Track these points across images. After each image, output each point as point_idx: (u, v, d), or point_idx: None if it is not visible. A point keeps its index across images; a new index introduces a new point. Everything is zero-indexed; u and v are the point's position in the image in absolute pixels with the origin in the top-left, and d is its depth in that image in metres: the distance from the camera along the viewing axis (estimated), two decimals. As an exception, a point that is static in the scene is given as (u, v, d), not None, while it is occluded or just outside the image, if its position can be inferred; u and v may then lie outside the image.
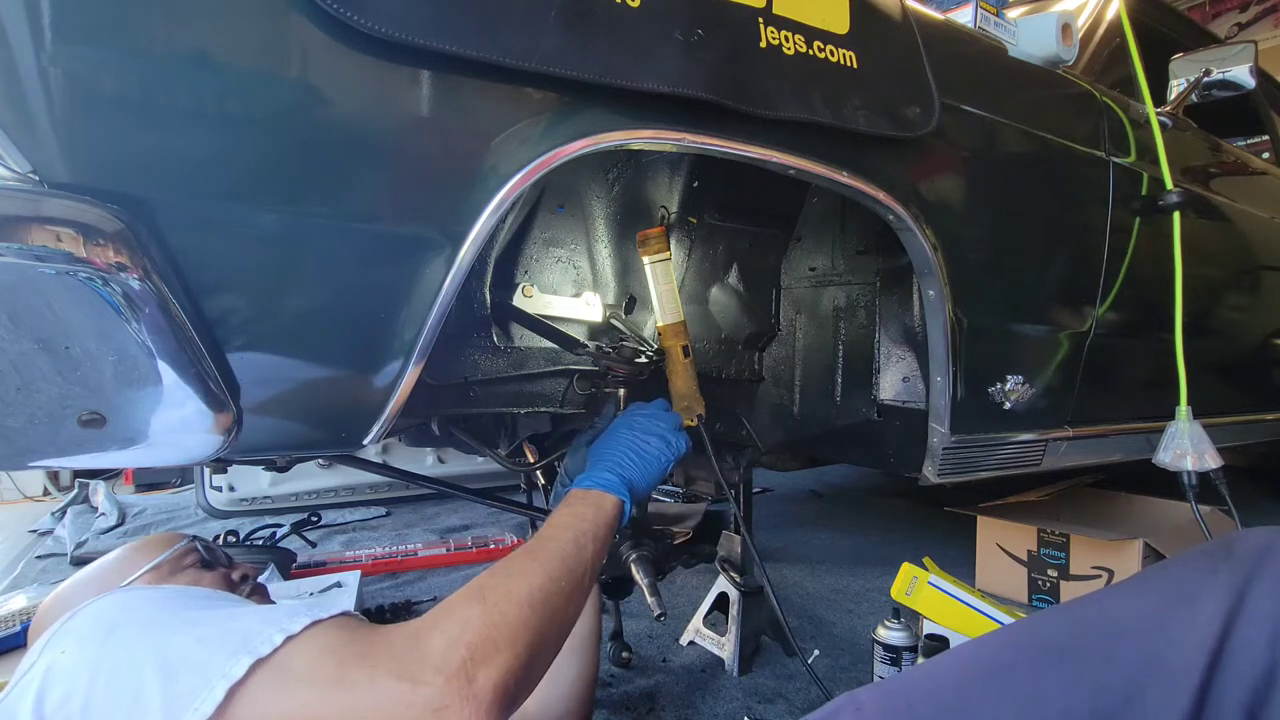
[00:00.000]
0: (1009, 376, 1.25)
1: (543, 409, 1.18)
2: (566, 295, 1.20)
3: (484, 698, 0.54)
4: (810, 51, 0.91)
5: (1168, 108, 1.62)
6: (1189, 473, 1.35)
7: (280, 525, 2.45)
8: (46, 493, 3.53)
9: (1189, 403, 1.37)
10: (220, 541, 2.01)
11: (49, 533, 2.68)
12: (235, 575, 0.92)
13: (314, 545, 2.36)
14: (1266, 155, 2.42)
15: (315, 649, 0.55)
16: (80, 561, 2.23)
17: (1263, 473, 3.00)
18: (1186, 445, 1.35)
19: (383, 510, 2.87)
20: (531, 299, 1.14)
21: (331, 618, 0.59)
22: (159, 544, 0.89)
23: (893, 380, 1.30)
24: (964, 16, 1.30)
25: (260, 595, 0.94)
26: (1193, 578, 0.50)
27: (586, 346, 1.14)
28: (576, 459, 0.95)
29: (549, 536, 0.73)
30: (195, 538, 0.92)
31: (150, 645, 0.56)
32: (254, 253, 0.64)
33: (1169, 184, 1.42)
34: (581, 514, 0.78)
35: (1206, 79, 1.61)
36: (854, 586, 1.91)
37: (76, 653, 0.57)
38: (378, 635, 0.57)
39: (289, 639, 0.55)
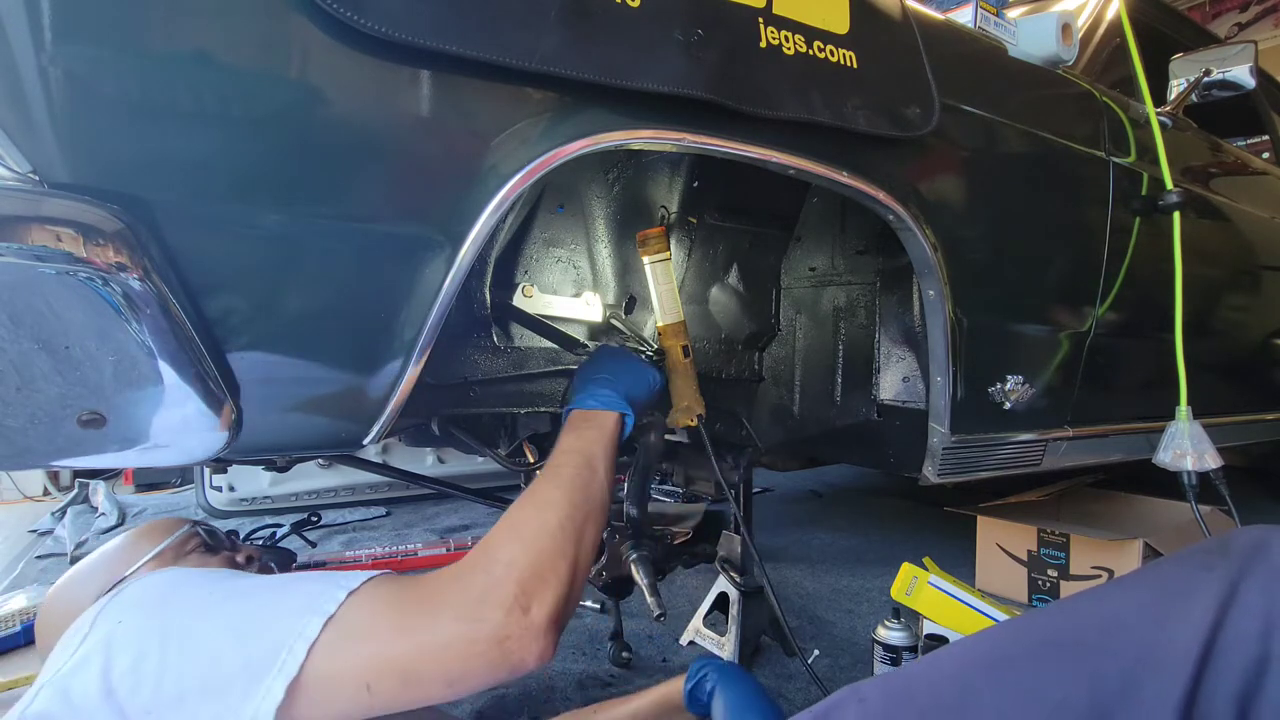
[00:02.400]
0: (1009, 376, 1.25)
1: (543, 409, 1.19)
2: (566, 295, 1.20)
3: (540, 624, 0.60)
4: (810, 51, 0.91)
5: (1168, 108, 1.62)
6: (1189, 473, 1.35)
7: (280, 525, 2.44)
8: (46, 493, 3.53)
9: (1189, 403, 1.37)
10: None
11: (49, 533, 2.68)
12: (240, 558, 0.92)
13: (314, 545, 2.36)
14: (1266, 155, 2.42)
15: (376, 602, 0.59)
16: (80, 561, 2.22)
17: (1263, 473, 3.00)
18: (1186, 445, 1.35)
19: (383, 510, 2.87)
20: (531, 299, 1.14)
21: (382, 574, 0.64)
22: (161, 530, 0.89)
23: (893, 380, 1.30)
24: (964, 16, 1.30)
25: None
26: (1188, 574, 0.51)
27: (586, 346, 1.14)
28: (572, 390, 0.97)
29: (562, 464, 0.76)
30: (197, 522, 0.93)
31: (217, 611, 0.59)
32: (254, 252, 0.64)
33: (1169, 184, 1.42)
34: (588, 436, 0.80)
35: (1206, 79, 1.61)
36: (854, 586, 1.91)
37: (139, 621, 0.59)
38: (430, 583, 0.62)
39: (350, 593, 0.59)
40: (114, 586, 0.80)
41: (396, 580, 0.63)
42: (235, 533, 2.23)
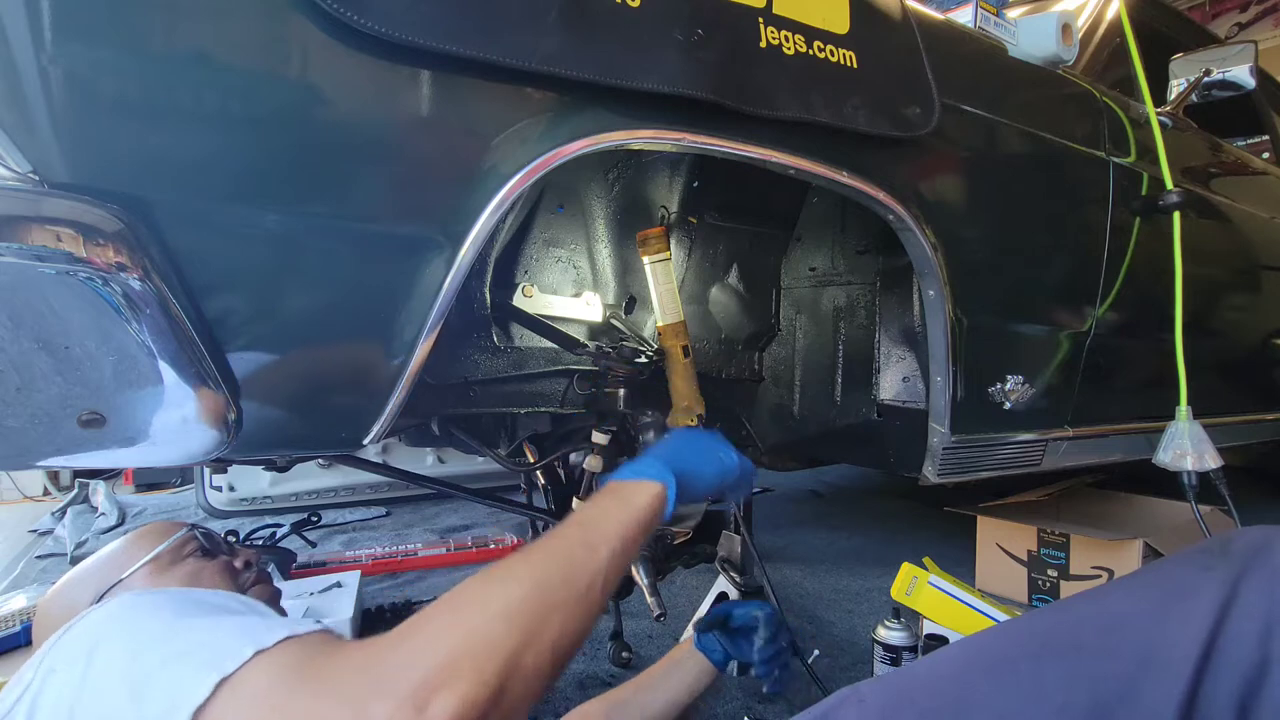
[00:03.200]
0: (1009, 376, 1.25)
1: (543, 409, 1.19)
2: (566, 295, 1.20)
3: None
4: (810, 51, 0.91)
5: (1168, 108, 1.62)
6: (1189, 473, 1.35)
7: (280, 525, 2.44)
8: (46, 493, 3.53)
9: (1189, 403, 1.37)
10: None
11: (49, 533, 2.68)
12: (238, 563, 0.91)
13: (314, 545, 2.36)
14: (1266, 155, 2.42)
15: (278, 667, 0.51)
16: (80, 561, 2.22)
17: (1263, 473, 2.99)
18: (1186, 445, 1.35)
19: (383, 510, 2.87)
20: (531, 299, 1.14)
21: (309, 633, 0.54)
22: (158, 533, 0.88)
23: (893, 380, 1.31)
24: (964, 16, 1.30)
25: (265, 582, 0.93)
26: (1188, 574, 0.52)
27: (586, 346, 1.14)
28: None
29: (558, 534, 0.62)
30: (194, 526, 0.92)
31: (125, 667, 0.53)
32: (254, 252, 0.64)
33: (1169, 184, 1.42)
34: (605, 509, 0.65)
35: (1206, 79, 1.61)
36: (854, 586, 1.91)
37: (65, 674, 0.55)
38: (343, 654, 0.52)
39: (259, 653, 0.51)
40: (108, 590, 0.80)
41: (317, 644, 0.53)
42: (235, 534, 2.24)
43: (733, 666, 1.01)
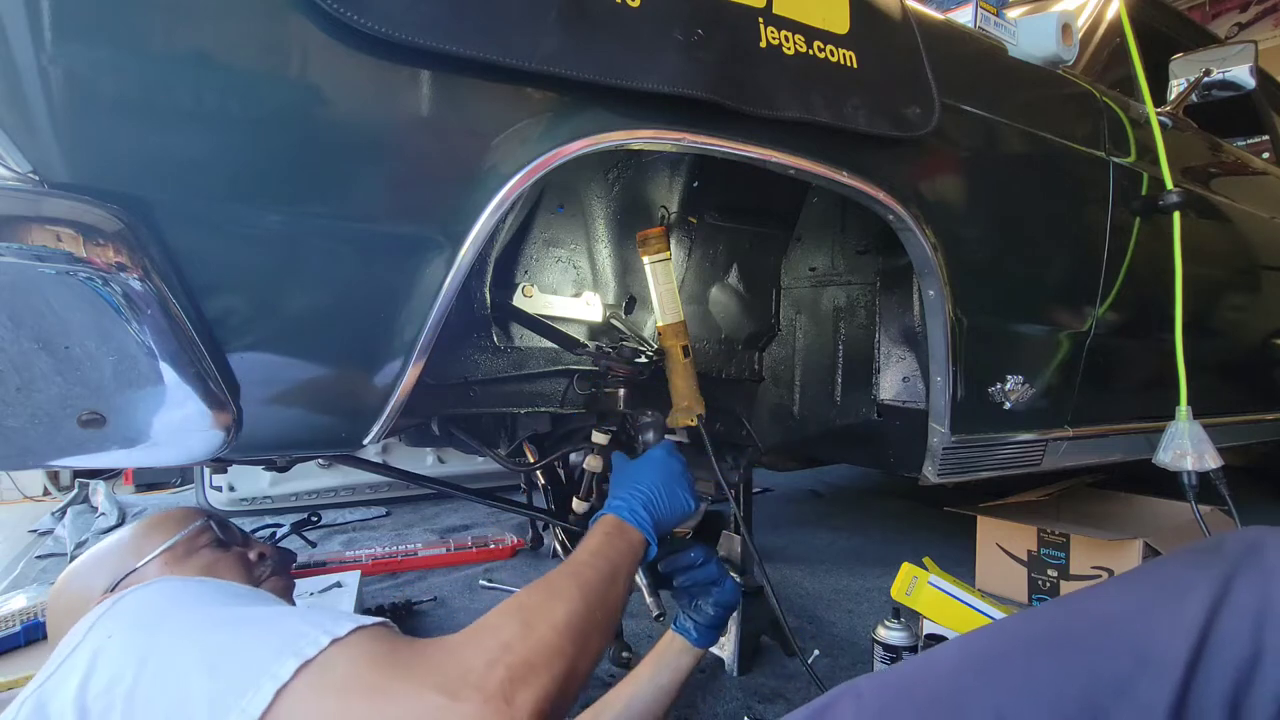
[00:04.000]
0: (1009, 376, 1.25)
1: (543, 409, 1.19)
2: (566, 295, 1.20)
3: (522, 719, 0.54)
4: (810, 51, 0.91)
5: (1168, 108, 1.62)
6: (1189, 473, 1.35)
7: (280, 525, 2.44)
8: (46, 493, 3.53)
9: (1189, 403, 1.37)
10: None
11: (49, 533, 2.68)
12: (252, 554, 0.91)
13: (314, 545, 2.36)
14: (1266, 155, 2.42)
15: (358, 655, 0.55)
16: (80, 561, 2.22)
17: (1263, 473, 2.99)
18: (1186, 445, 1.35)
19: (383, 510, 2.87)
20: (531, 299, 1.14)
21: (375, 624, 0.59)
22: (174, 522, 0.88)
23: (893, 380, 1.30)
24: (964, 16, 1.30)
25: (278, 575, 0.93)
26: (1181, 573, 0.52)
27: (586, 346, 1.14)
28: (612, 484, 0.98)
29: (589, 563, 0.73)
30: (210, 516, 0.91)
31: (198, 640, 0.57)
32: (254, 252, 0.64)
33: (1169, 184, 1.42)
34: (620, 548, 0.79)
35: (1206, 79, 1.61)
36: (854, 586, 1.91)
37: (124, 639, 0.58)
38: (419, 648, 0.57)
39: (334, 641, 0.55)
40: (123, 579, 0.79)
41: (387, 636, 0.59)
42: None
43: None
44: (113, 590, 0.78)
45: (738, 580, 1.04)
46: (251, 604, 0.64)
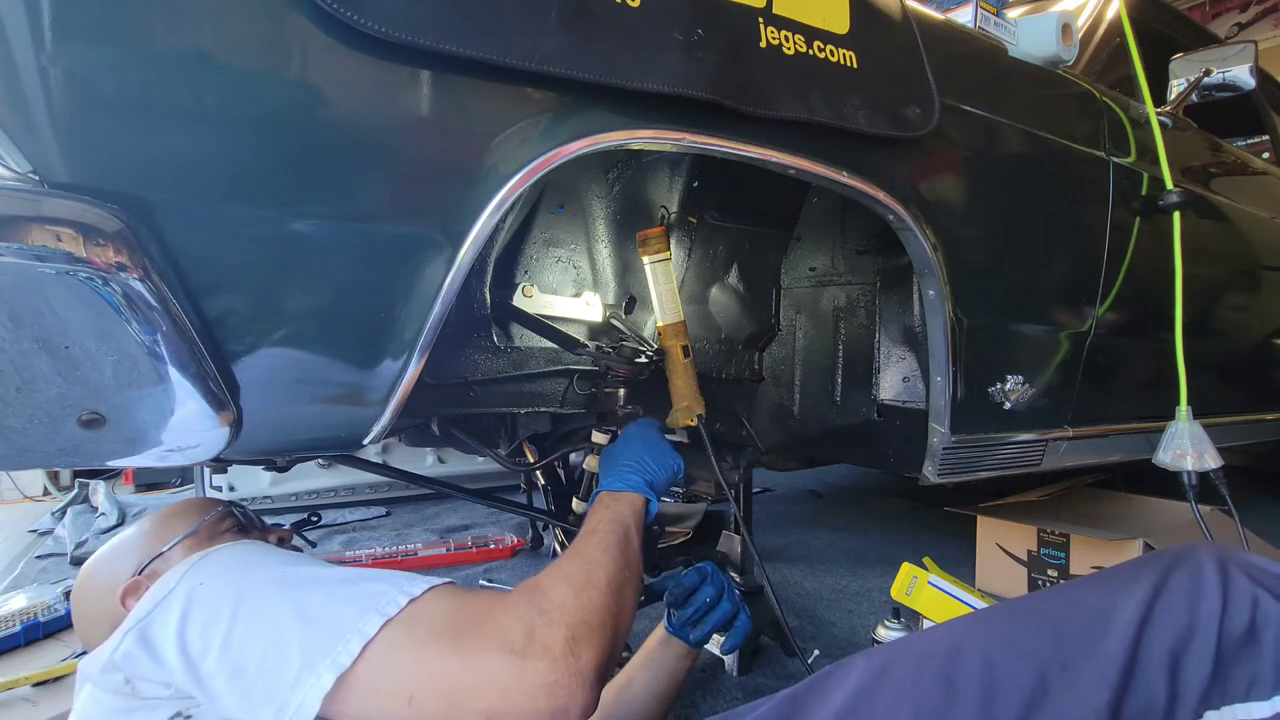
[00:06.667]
0: (1009, 376, 1.25)
1: (543, 409, 1.19)
2: (566, 295, 1.20)
3: (587, 674, 0.58)
4: (810, 51, 0.91)
5: (1168, 108, 1.62)
6: (1189, 473, 1.35)
7: (280, 524, 2.44)
8: (46, 493, 3.53)
9: (1189, 403, 1.37)
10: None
11: (49, 533, 2.68)
12: (271, 539, 0.91)
13: (314, 545, 2.36)
14: (1266, 155, 2.42)
15: (434, 614, 0.59)
16: (80, 562, 2.22)
17: (1263, 473, 2.99)
18: (1186, 445, 1.35)
19: (383, 510, 2.87)
20: (531, 299, 1.14)
21: (445, 584, 0.63)
22: (196, 510, 0.88)
23: (893, 380, 1.30)
24: (964, 16, 1.30)
25: None
26: (1132, 569, 0.67)
27: (586, 346, 1.14)
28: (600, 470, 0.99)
29: (604, 530, 0.77)
30: (231, 502, 0.92)
31: (287, 592, 0.60)
32: (254, 252, 0.64)
33: (1169, 184, 1.42)
34: (623, 513, 0.82)
35: (1206, 79, 1.61)
36: (854, 586, 1.91)
37: (218, 585, 0.61)
38: (483, 606, 0.61)
39: (411, 601, 0.59)
40: (150, 563, 0.80)
41: (455, 593, 0.63)
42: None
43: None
44: (140, 574, 0.79)
45: (747, 613, 1.04)
46: (325, 567, 0.67)
